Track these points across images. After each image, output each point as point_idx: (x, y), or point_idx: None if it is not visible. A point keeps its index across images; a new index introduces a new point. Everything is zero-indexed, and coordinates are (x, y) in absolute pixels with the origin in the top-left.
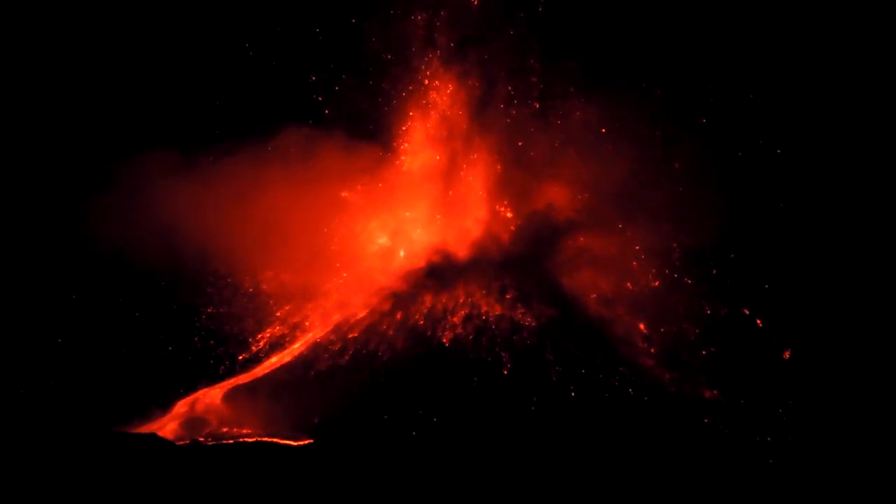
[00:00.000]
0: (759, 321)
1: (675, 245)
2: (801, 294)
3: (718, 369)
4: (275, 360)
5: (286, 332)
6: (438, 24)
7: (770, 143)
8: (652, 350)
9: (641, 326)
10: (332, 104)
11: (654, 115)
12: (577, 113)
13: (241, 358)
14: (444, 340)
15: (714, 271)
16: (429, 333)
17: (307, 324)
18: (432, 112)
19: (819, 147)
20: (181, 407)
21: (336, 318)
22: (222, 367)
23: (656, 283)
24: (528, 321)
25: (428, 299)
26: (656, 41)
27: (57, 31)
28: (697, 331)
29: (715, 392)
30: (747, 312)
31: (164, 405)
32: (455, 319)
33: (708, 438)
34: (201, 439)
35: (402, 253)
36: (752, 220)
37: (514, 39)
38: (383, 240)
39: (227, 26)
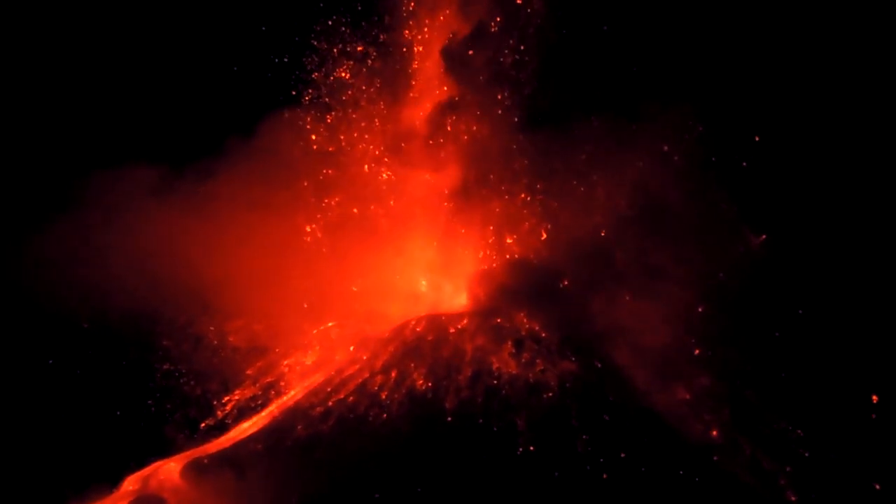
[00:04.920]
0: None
1: (721, 282)
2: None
3: (782, 440)
4: (244, 428)
5: (258, 393)
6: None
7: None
8: (703, 416)
9: (689, 386)
10: (321, 128)
11: (680, 140)
12: (597, 138)
13: (203, 425)
14: (448, 405)
15: (769, 316)
16: (429, 396)
17: (283, 384)
18: (433, 140)
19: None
20: (131, 483)
21: (318, 376)
22: (181, 436)
23: (703, 330)
24: (549, 381)
25: (428, 354)
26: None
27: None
28: (750, 390)
29: (778, 466)
30: (811, 370)
31: (111, 481)
32: (460, 379)
33: None
34: None
35: (397, 298)
36: (796, 254)
37: (524, 58)
38: (375, 282)
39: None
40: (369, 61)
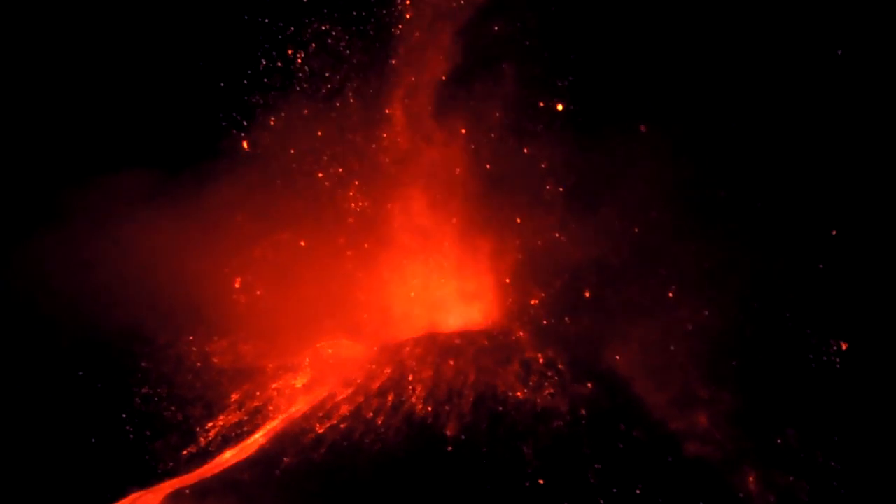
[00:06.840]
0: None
1: (751, 302)
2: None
3: (816, 473)
4: (229, 456)
5: (244, 418)
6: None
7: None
8: (726, 446)
9: (709, 414)
10: (324, 129)
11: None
12: (611, 153)
13: (185, 453)
14: (449, 431)
15: (799, 338)
16: (429, 422)
17: (271, 408)
18: (436, 150)
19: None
20: None
21: (309, 400)
22: (161, 465)
23: (727, 354)
24: (559, 407)
25: (428, 376)
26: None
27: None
28: (778, 419)
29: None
30: (849, 397)
31: None
32: (463, 403)
33: None
34: None
35: (395, 316)
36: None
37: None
38: (372, 298)
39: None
40: (363, 53)
